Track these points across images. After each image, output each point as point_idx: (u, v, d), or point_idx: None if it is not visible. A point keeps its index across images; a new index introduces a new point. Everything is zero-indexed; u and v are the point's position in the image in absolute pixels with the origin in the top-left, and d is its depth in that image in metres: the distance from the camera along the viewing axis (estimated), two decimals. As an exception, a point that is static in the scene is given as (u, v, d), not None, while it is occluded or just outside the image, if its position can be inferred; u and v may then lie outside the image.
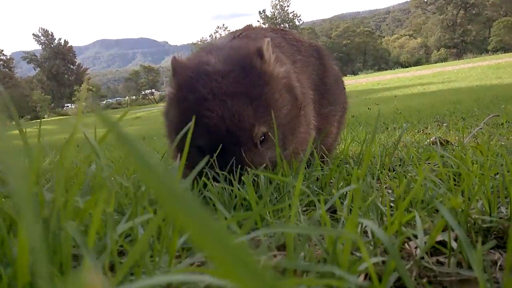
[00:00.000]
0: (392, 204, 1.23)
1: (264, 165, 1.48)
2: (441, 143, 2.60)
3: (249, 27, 2.23)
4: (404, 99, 12.37)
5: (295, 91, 1.71)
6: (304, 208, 1.27)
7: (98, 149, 0.86)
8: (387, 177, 1.65)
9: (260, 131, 1.46)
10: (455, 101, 7.69)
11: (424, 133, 3.60)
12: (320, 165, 1.63)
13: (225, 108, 1.43)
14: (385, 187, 1.52)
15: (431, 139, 2.72)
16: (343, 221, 0.92)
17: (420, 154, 2.27)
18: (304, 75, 1.98)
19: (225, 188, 1.37)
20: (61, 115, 76.18)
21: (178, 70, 1.62)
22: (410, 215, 0.86)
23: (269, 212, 1.12)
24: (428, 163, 2.09)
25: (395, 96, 14.89)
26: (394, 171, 1.95)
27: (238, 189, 1.22)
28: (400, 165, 2.15)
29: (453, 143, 2.61)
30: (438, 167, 1.75)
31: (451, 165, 1.62)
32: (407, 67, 76.10)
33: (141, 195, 0.94)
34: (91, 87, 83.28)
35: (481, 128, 3.00)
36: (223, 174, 1.36)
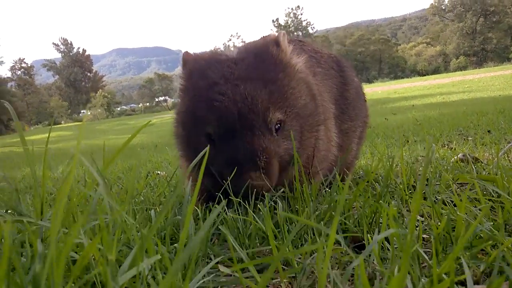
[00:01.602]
0: (427, 241, 1.10)
1: (280, 155, 1.34)
2: (468, 161, 2.44)
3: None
4: (423, 108, 12.09)
5: (312, 88, 1.60)
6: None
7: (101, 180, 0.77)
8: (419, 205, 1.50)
9: (276, 117, 1.35)
10: (478, 112, 7.43)
11: (449, 148, 3.43)
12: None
13: (237, 91, 1.33)
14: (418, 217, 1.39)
15: (458, 156, 2.56)
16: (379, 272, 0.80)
17: (449, 173, 2.13)
18: (325, 88, 1.87)
19: (238, 210, 1.26)
20: (77, 121, 77.44)
21: (188, 61, 1.57)
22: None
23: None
24: (459, 184, 1.94)
25: (413, 105, 14.59)
26: (423, 193, 1.81)
27: (254, 218, 1.11)
28: (427, 184, 2.02)
29: (482, 161, 2.45)
30: (472, 191, 1.60)
31: (490, 192, 1.48)
32: (425, 75, 74.96)
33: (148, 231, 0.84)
34: (106, 94, 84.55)
35: (513, 145, 2.82)
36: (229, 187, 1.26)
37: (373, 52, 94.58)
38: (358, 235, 1.09)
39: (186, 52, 1.61)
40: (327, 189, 1.55)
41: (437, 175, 2.12)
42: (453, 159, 2.57)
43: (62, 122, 76.44)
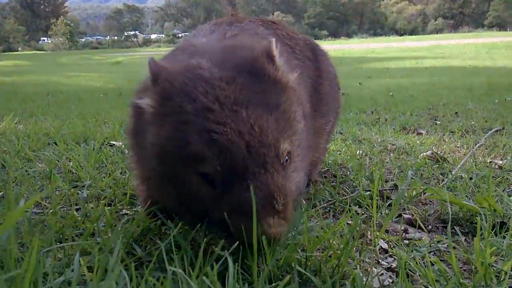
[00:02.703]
0: None
1: (293, 193, 1.15)
2: (437, 159, 2.41)
3: (235, 18, 1.87)
4: (397, 73, 12.12)
5: (302, 100, 1.42)
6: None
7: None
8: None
9: (286, 148, 1.13)
10: (449, 86, 7.50)
11: (417, 134, 3.41)
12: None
13: (239, 119, 1.09)
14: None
15: (426, 153, 2.53)
16: None
17: (417, 177, 2.09)
18: (302, 86, 1.71)
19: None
20: (36, 49, 72.01)
21: (160, 76, 1.21)
22: None
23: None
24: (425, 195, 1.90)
25: (387, 68, 14.61)
26: (389, 205, 1.76)
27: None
28: (392, 189, 1.97)
29: (449, 161, 2.43)
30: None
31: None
32: (403, 34, 74.89)
33: None
34: (69, 21, 78.56)
35: (481, 145, 2.81)
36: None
37: (356, 5, 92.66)
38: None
39: (153, 61, 1.24)
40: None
41: (405, 181, 2.07)
42: (421, 155, 2.53)
43: (19, 49, 71.10)
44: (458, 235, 1.50)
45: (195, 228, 1.30)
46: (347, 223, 1.64)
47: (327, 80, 2.01)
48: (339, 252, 1.14)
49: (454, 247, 1.31)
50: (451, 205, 1.62)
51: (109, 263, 1.01)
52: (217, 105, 1.11)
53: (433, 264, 1.12)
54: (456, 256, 1.18)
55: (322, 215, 1.74)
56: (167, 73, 1.21)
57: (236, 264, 1.11)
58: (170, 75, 1.21)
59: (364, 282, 1.07)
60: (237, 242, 1.07)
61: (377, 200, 1.80)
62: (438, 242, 1.32)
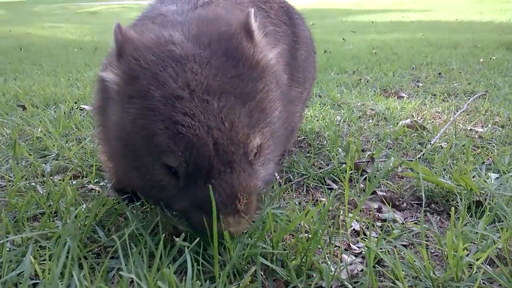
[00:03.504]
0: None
1: (258, 188, 1.10)
2: (416, 128, 2.36)
3: None
4: (382, 28, 11.83)
5: (282, 83, 1.32)
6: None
7: None
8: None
9: (255, 144, 1.07)
10: (433, 43, 7.36)
11: (398, 97, 3.34)
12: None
13: (210, 112, 1.01)
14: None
15: (406, 122, 2.47)
16: None
17: (395, 150, 2.04)
18: (279, 61, 1.58)
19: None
20: (11, -3, 68.08)
21: (126, 49, 1.09)
22: None
23: None
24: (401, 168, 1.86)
25: (372, 22, 14.26)
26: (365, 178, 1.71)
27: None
28: (368, 161, 1.92)
29: (429, 130, 2.38)
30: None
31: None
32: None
33: None
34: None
35: (463, 111, 2.76)
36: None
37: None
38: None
39: (119, 29, 1.11)
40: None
41: (383, 154, 2.02)
42: (400, 123, 2.48)
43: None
44: (433, 214, 1.48)
45: (157, 213, 1.24)
46: (320, 200, 1.60)
47: (304, 46, 1.89)
48: (307, 242, 1.09)
49: (426, 236, 1.27)
50: (426, 182, 1.58)
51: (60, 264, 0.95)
52: (187, 92, 1.02)
53: (403, 258, 1.09)
54: (427, 247, 1.15)
55: (296, 190, 1.70)
56: (134, 47, 1.09)
57: (199, 255, 1.06)
58: (138, 50, 1.09)
59: (332, 273, 1.03)
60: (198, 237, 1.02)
61: (352, 174, 1.76)
62: (410, 231, 1.28)
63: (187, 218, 1.08)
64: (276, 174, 1.69)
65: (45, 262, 1.08)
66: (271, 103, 1.13)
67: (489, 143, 2.17)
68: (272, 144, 1.14)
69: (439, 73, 4.48)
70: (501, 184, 1.54)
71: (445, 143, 2.16)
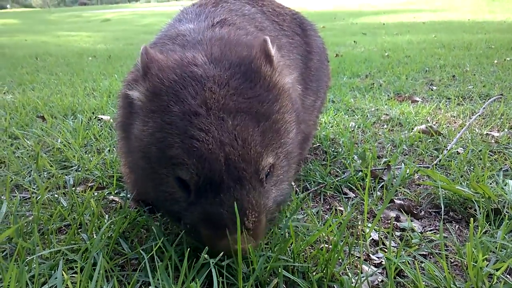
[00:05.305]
0: None
1: (268, 208, 1.12)
2: (431, 134, 2.36)
3: None
4: (393, 29, 11.78)
5: (297, 106, 1.34)
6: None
7: None
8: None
9: (267, 163, 1.10)
10: (446, 44, 7.30)
11: (412, 102, 3.33)
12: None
13: (224, 129, 1.05)
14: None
15: (420, 127, 2.47)
16: None
17: (411, 158, 2.04)
18: (291, 66, 1.62)
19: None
20: (25, 7, 69.48)
21: (151, 69, 1.16)
22: None
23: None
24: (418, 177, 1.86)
25: (384, 24, 14.19)
26: (383, 187, 1.72)
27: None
28: (384, 169, 1.93)
29: (444, 135, 2.37)
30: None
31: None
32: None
33: None
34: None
35: (479, 115, 2.75)
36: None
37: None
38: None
39: (146, 51, 1.18)
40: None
41: (399, 160, 2.02)
42: (415, 128, 2.48)
43: (8, 6, 68.67)
44: (451, 223, 1.48)
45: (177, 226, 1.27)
46: (338, 209, 1.61)
47: (317, 55, 1.92)
48: (327, 254, 1.11)
49: (445, 246, 1.28)
50: (444, 191, 1.58)
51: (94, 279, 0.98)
52: (203, 109, 1.07)
53: (423, 269, 1.10)
54: (447, 256, 1.16)
55: (313, 199, 1.71)
56: (158, 68, 1.17)
57: (223, 268, 1.09)
58: (162, 70, 1.16)
59: (354, 285, 1.05)
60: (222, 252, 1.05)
61: (368, 182, 1.77)
62: (429, 241, 1.28)
63: (196, 231, 1.10)
64: (293, 183, 1.70)
65: (73, 275, 1.11)
66: (286, 124, 1.17)
67: (505, 148, 2.15)
68: (286, 165, 1.16)
69: (453, 76, 4.45)
70: (519, 192, 1.53)
71: (462, 148, 2.16)
